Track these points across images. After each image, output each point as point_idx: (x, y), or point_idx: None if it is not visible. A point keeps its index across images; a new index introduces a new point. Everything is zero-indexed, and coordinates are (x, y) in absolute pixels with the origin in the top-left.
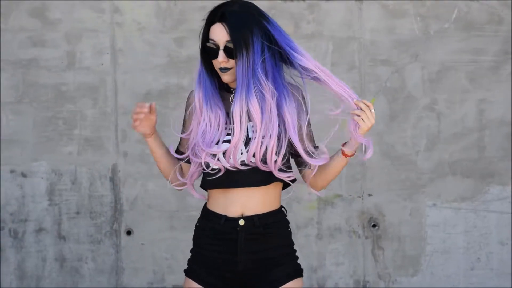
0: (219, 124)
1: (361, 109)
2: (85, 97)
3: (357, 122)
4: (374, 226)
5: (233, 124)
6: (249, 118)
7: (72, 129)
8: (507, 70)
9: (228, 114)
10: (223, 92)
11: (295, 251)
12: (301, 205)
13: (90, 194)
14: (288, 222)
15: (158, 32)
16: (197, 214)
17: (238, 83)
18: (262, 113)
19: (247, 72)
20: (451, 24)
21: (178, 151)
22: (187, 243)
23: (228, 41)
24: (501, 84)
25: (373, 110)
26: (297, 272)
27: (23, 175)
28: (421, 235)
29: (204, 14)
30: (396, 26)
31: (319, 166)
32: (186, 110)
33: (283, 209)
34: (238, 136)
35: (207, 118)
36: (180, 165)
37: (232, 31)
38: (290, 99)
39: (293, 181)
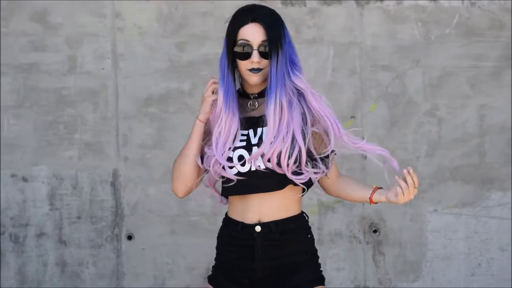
0: (230, 130)
1: (405, 181)
2: (86, 102)
3: (397, 193)
4: (375, 231)
5: (265, 126)
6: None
7: (73, 133)
8: (508, 75)
9: (240, 120)
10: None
11: (317, 258)
12: None
13: (91, 199)
14: (309, 228)
15: (159, 36)
16: (198, 219)
17: (272, 84)
18: (288, 114)
19: (281, 73)
20: (452, 29)
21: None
22: (188, 248)
23: (263, 41)
24: (502, 90)
25: (416, 187)
26: (319, 279)
27: (24, 179)
28: (422, 240)
29: (228, 17)
30: (397, 31)
31: (341, 183)
32: None
33: (304, 215)
34: (271, 137)
35: (222, 123)
36: (198, 167)
37: (268, 31)
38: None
39: (309, 185)
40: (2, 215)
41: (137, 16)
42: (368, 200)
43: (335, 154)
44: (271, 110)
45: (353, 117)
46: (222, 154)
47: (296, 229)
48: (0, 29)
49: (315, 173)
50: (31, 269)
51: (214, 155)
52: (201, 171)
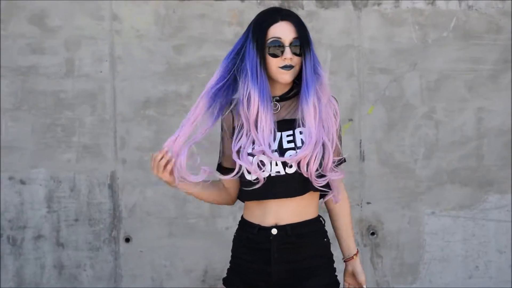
0: (269, 130)
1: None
2: (84, 104)
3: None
4: (372, 234)
5: (303, 126)
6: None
7: (71, 136)
8: (506, 78)
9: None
10: None
11: (333, 262)
12: None
13: (89, 201)
14: (325, 232)
15: (157, 39)
16: (196, 221)
17: (307, 81)
18: (320, 117)
19: (312, 71)
20: (449, 32)
21: (223, 168)
22: (186, 250)
23: (295, 38)
24: (499, 93)
25: None
26: (333, 283)
27: (22, 182)
28: (420, 243)
29: (257, 15)
30: (394, 34)
31: (334, 217)
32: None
33: (321, 219)
34: (313, 141)
35: (262, 124)
36: (223, 184)
37: (299, 28)
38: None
39: (328, 189)
40: (0, 218)
41: (135, 19)
42: (343, 259)
43: (345, 160)
44: (310, 112)
45: (351, 120)
46: (271, 152)
47: (312, 233)
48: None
49: (335, 174)
50: (29, 272)
51: (253, 153)
52: (233, 181)
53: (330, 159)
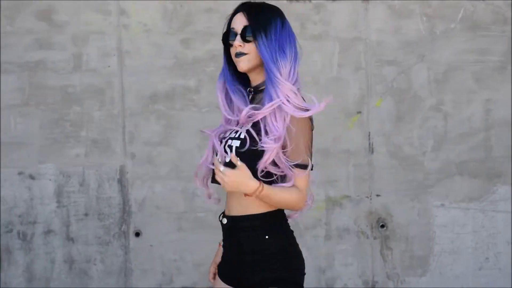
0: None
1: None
2: (92, 99)
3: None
4: (382, 226)
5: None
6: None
7: (79, 131)
8: None
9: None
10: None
11: (276, 258)
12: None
13: (98, 196)
14: (269, 230)
15: (164, 34)
16: (205, 215)
17: (265, 62)
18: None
19: (272, 58)
20: (457, 24)
21: None
22: (195, 244)
23: (245, 26)
24: (507, 84)
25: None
26: (267, 280)
27: (31, 177)
28: (429, 235)
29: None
30: (402, 26)
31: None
32: None
33: (270, 215)
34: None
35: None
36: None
37: (253, 17)
38: None
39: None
40: (10, 213)
41: (142, 14)
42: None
43: (306, 167)
44: (266, 103)
45: (359, 112)
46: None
47: (252, 228)
48: (1, 28)
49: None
50: (39, 267)
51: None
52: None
53: (269, 154)
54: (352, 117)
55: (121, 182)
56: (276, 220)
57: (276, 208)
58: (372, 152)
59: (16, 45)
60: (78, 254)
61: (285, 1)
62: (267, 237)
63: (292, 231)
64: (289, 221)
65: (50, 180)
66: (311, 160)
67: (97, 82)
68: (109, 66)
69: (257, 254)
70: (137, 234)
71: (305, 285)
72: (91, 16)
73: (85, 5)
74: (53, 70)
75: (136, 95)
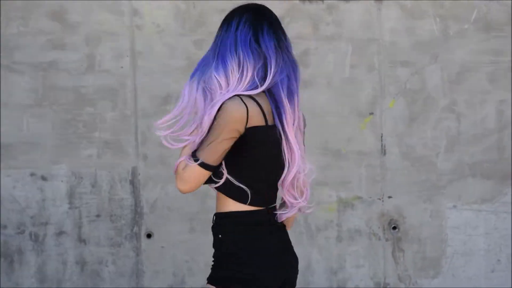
0: None
1: None
2: (104, 100)
3: None
4: (394, 228)
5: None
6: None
7: (92, 132)
8: None
9: None
10: None
11: (224, 259)
12: (320, 207)
13: (110, 197)
14: (221, 229)
15: (177, 34)
16: None
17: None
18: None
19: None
20: (470, 24)
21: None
22: (207, 246)
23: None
24: None
25: None
26: (210, 278)
27: (43, 178)
28: (442, 237)
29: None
30: (415, 27)
31: None
32: None
33: (225, 216)
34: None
35: None
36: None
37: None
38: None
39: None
40: (22, 214)
41: (155, 14)
42: None
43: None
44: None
45: (372, 113)
46: None
47: (213, 227)
48: (1, 27)
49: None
50: (51, 268)
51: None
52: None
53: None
54: (364, 118)
55: (133, 183)
56: (227, 221)
57: (229, 210)
58: (385, 153)
59: (29, 45)
60: (90, 256)
61: (298, 1)
62: (220, 236)
63: (251, 235)
64: (301, 220)
65: (62, 181)
66: (205, 160)
67: (110, 83)
68: (122, 67)
69: (215, 251)
70: (149, 236)
71: (316, 285)
72: (104, 16)
73: (98, 6)
74: (66, 70)
75: (149, 96)
